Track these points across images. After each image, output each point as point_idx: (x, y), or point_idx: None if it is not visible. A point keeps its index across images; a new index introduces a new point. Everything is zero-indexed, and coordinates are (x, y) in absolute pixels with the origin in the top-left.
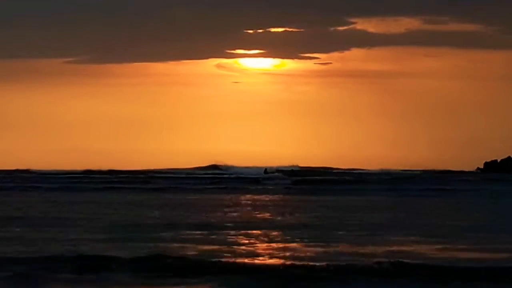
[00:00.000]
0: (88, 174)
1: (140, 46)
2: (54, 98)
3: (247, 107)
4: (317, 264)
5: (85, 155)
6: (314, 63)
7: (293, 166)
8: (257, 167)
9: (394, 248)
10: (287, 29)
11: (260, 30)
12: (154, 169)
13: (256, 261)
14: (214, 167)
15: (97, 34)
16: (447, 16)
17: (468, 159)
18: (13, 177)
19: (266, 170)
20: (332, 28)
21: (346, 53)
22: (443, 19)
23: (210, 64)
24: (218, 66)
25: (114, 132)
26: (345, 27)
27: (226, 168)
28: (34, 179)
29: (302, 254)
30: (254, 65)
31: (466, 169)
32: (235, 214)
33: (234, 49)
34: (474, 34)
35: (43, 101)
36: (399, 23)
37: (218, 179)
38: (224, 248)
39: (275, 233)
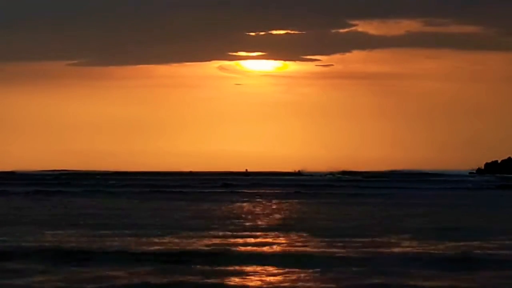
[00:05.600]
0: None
1: (143, 49)
2: (57, 100)
3: (249, 109)
4: None
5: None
6: (316, 65)
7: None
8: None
9: None
10: (289, 31)
11: (262, 33)
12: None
13: None
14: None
15: (100, 37)
16: (447, 18)
17: (469, 160)
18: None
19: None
20: (333, 30)
21: (348, 55)
22: (443, 21)
23: (212, 66)
24: (220, 68)
25: (115, 133)
26: (346, 29)
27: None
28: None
29: None
30: (256, 67)
31: (467, 169)
32: None
33: (236, 52)
34: (474, 36)
35: (46, 103)
36: (399, 25)
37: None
38: None
39: None
